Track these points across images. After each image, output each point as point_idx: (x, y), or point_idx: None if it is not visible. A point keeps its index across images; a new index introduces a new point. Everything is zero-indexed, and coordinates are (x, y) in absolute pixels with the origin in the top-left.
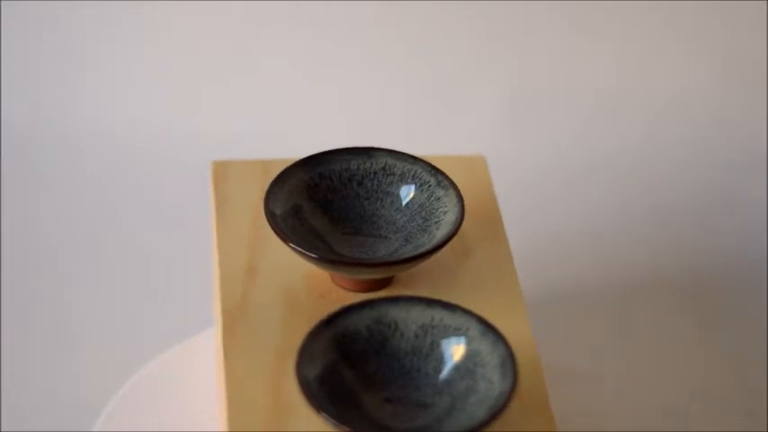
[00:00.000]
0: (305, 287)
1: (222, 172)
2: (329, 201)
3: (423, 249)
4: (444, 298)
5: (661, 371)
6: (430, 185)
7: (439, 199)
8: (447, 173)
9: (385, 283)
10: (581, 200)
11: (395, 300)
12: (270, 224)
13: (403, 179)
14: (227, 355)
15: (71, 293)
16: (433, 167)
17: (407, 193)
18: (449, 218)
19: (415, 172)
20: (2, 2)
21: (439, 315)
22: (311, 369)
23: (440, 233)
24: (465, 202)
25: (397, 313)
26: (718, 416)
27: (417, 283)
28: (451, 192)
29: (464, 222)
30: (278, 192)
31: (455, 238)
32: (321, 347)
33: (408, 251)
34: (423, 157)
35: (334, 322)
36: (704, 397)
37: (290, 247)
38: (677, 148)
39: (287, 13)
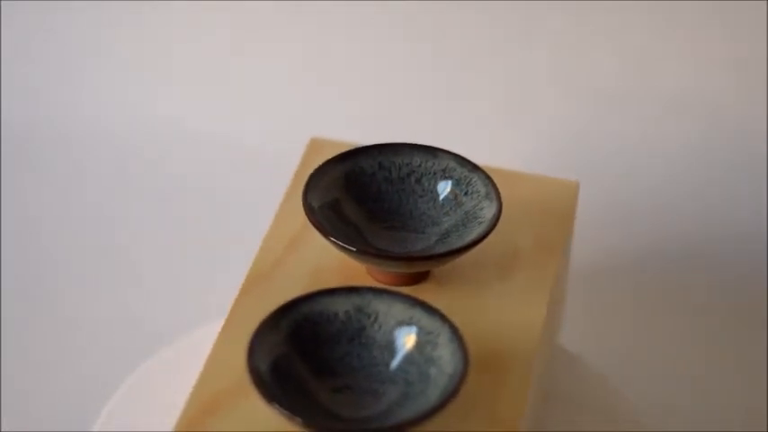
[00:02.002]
0: (337, 271)
1: (315, 149)
2: (382, 192)
3: (444, 249)
4: (468, 297)
5: (661, 371)
6: (479, 195)
7: (482, 209)
8: (535, 191)
9: (419, 278)
10: (580, 200)
11: (380, 292)
12: (307, 216)
13: (458, 184)
14: (229, 317)
15: (71, 293)
16: (488, 178)
17: (458, 197)
18: (483, 226)
19: (471, 179)
20: (2, 2)
21: (418, 316)
22: (264, 357)
23: (468, 238)
24: (535, 223)
25: (379, 305)
26: (719, 416)
27: (451, 281)
28: (495, 204)
29: (523, 241)
30: (318, 183)
31: (508, 252)
32: (286, 325)
33: (437, 249)
34: (515, 172)
35: (312, 299)
36: (704, 397)
37: (330, 240)
38: (677, 148)
39: (287, 13)
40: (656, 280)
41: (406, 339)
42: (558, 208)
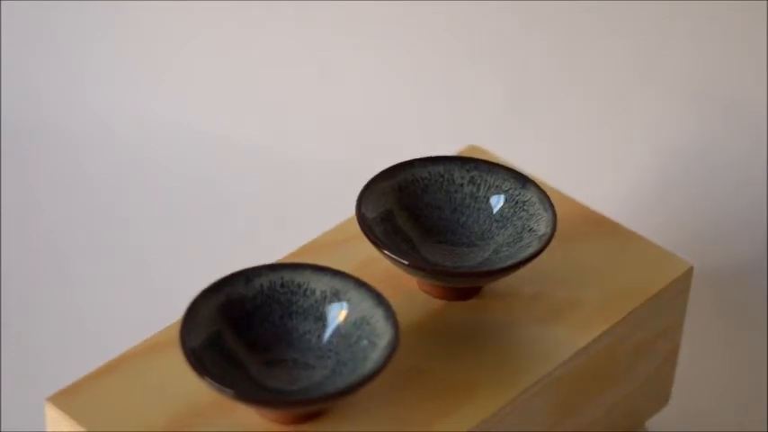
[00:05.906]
0: (386, 266)
1: (468, 154)
2: (464, 205)
3: (484, 268)
4: (498, 323)
5: None
6: (537, 233)
7: (529, 246)
8: (641, 256)
9: (467, 294)
10: (580, 200)
11: (361, 284)
12: (360, 226)
13: (530, 219)
14: None
15: (71, 293)
16: (554, 221)
17: (523, 232)
18: (512, 261)
19: (541, 218)
20: (2, 2)
21: (377, 316)
22: (196, 336)
23: (496, 267)
24: (615, 285)
25: (354, 296)
26: (718, 416)
27: (496, 304)
28: (541, 246)
29: (592, 297)
30: (370, 194)
31: (569, 299)
32: (259, 284)
33: (481, 268)
34: (633, 232)
35: (298, 269)
36: (704, 395)
37: (383, 253)
38: (677, 149)
39: (288, 12)
40: None
41: (360, 333)
42: (653, 279)
